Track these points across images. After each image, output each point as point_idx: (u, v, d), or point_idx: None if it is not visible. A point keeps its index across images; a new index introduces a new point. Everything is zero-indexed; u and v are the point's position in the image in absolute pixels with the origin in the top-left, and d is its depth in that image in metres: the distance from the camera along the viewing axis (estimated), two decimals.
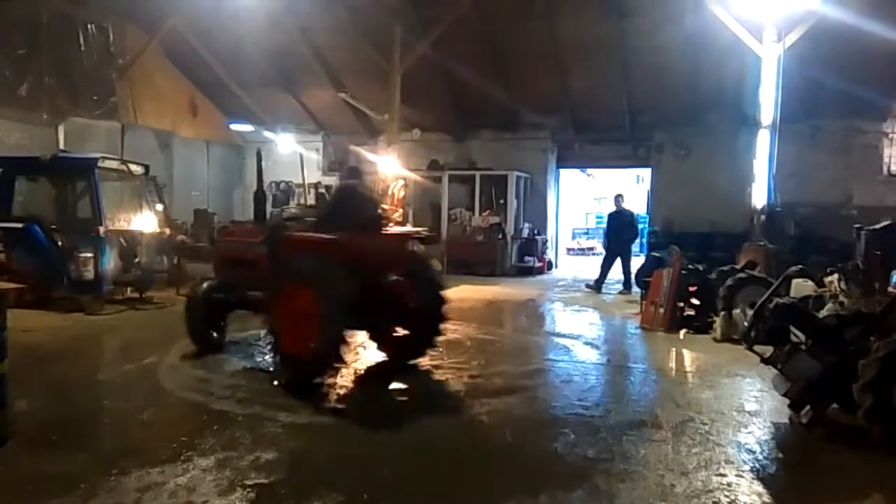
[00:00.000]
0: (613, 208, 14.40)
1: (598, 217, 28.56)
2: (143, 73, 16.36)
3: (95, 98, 15.10)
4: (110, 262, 9.72)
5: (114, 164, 10.49)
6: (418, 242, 7.13)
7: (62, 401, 5.49)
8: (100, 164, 9.93)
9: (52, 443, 4.48)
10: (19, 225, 9.66)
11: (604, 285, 13.58)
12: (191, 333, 7.00)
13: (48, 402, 5.40)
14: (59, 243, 9.69)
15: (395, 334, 6.70)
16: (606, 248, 14.49)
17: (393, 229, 7.23)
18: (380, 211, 7.11)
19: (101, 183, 9.87)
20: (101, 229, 9.55)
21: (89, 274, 9.57)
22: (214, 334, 7.14)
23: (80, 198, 10.45)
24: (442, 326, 6.72)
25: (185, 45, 16.61)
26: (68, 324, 8.67)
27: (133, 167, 10.72)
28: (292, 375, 5.84)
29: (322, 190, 17.43)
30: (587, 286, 13.74)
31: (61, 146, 13.33)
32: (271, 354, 6.20)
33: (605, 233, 15.02)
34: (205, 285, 7.15)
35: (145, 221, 10.63)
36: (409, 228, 8.72)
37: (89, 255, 9.55)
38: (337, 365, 5.85)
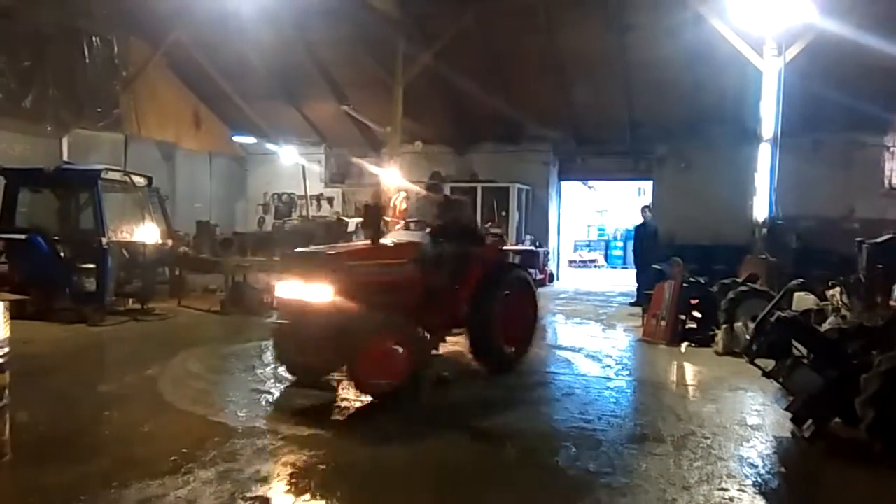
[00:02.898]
0: (640, 220, 14.32)
1: (599, 229, 28.56)
2: (146, 86, 16.45)
3: (99, 110, 15.21)
4: (112, 273, 9.73)
5: (117, 176, 10.53)
6: None
7: (63, 412, 5.49)
8: (103, 175, 9.97)
9: (54, 455, 4.47)
10: (22, 236, 9.69)
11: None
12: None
13: (49, 413, 5.39)
14: (62, 254, 9.72)
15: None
16: (636, 262, 14.28)
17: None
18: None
19: (105, 194, 9.90)
20: (104, 240, 9.57)
21: (91, 285, 9.60)
22: None
23: (83, 209, 10.47)
24: None
25: (189, 58, 16.72)
26: (70, 335, 8.67)
27: (136, 179, 10.75)
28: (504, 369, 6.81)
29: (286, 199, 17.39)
30: (631, 304, 12.99)
31: (65, 158, 13.38)
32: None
33: (633, 247, 14.90)
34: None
35: (148, 233, 10.65)
36: None
37: (91, 266, 9.58)
38: None
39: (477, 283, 6.77)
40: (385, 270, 6.17)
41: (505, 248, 7.72)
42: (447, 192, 7.77)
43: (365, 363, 5.44)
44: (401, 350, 5.55)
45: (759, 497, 4.03)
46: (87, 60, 14.89)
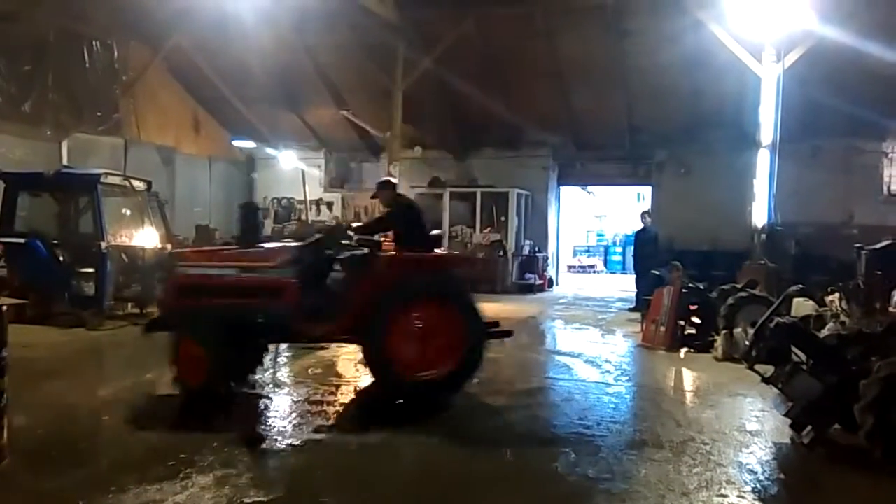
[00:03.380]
0: (640, 225, 14.32)
1: (599, 235, 28.58)
2: (146, 90, 16.46)
3: (99, 114, 15.21)
4: (111, 277, 9.72)
5: (116, 180, 10.55)
6: None
7: (61, 417, 5.47)
8: (102, 179, 9.99)
9: (52, 459, 4.47)
10: (22, 240, 9.69)
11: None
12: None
13: (48, 417, 5.39)
14: (61, 258, 9.72)
15: None
16: (636, 267, 14.27)
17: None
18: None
19: (104, 199, 9.92)
20: (103, 245, 9.57)
21: (90, 289, 9.61)
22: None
23: (82, 213, 10.49)
24: None
25: (189, 62, 16.74)
26: (69, 339, 8.66)
27: (136, 183, 10.76)
28: (411, 398, 5.82)
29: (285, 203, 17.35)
30: (630, 310, 13.03)
31: (65, 162, 13.39)
32: (379, 379, 6.00)
33: (633, 252, 14.90)
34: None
35: (147, 237, 10.65)
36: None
37: (91, 270, 9.57)
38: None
39: (374, 290, 5.92)
40: (238, 274, 6.16)
41: (455, 255, 6.83)
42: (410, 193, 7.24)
43: (177, 361, 5.84)
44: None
45: (758, 503, 4.03)
46: (87, 65, 14.92)
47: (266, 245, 7.16)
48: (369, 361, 5.99)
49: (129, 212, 11.04)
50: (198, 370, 5.73)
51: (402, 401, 5.90)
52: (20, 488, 3.98)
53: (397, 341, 5.79)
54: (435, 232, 7.78)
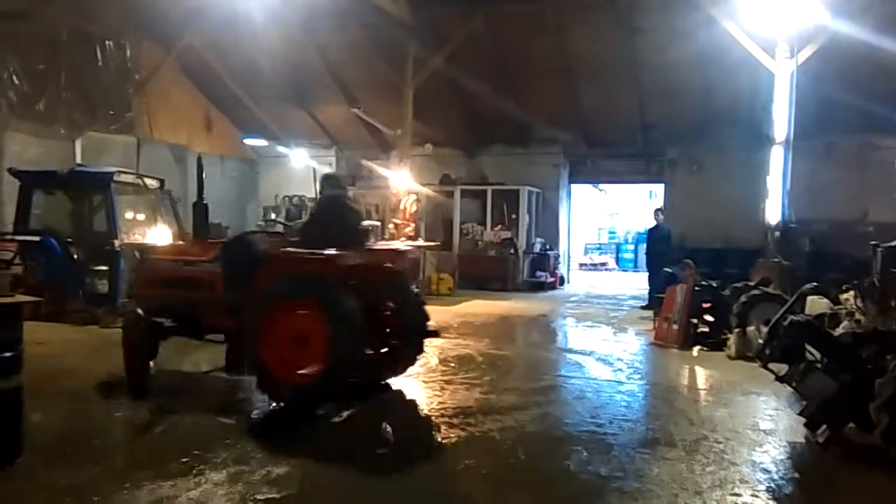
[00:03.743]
0: (652, 223, 14.31)
1: (610, 232, 28.47)
2: (158, 89, 16.56)
3: (112, 113, 15.32)
4: (125, 275, 9.78)
5: (129, 179, 10.60)
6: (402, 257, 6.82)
7: (76, 413, 5.53)
8: (116, 178, 10.03)
9: (67, 456, 4.50)
10: (36, 238, 9.77)
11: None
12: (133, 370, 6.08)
13: (62, 414, 5.45)
14: (75, 256, 9.78)
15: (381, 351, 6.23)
16: (648, 265, 14.24)
17: (380, 244, 7.09)
18: (364, 224, 6.91)
19: (117, 197, 9.97)
20: (117, 243, 9.63)
21: (104, 287, 9.66)
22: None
23: (96, 211, 10.55)
24: (425, 343, 6.43)
25: (201, 61, 16.82)
26: (83, 336, 8.73)
27: (148, 181, 10.82)
28: (288, 402, 5.52)
29: (297, 201, 17.44)
30: (642, 308, 13.03)
31: (78, 160, 13.48)
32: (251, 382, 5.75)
33: (646, 250, 14.86)
34: (139, 310, 6.20)
35: (160, 235, 10.71)
36: (412, 243, 7.99)
37: (104, 268, 9.64)
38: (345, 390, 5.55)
39: (251, 290, 5.72)
40: (180, 267, 6.46)
41: (341, 255, 5.68)
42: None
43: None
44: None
45: (772, 503, 4.00)
46: (100, 64, 15.03)
47: (213, 241, 7.22)
48: (247, 363, 5.88)
49: (141, 210, 11.10)
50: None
51: (281, 404, 5.61)
52: (36, 484, 4.02)
53: (272, 344, 5.49)
54: (370, 223, 7.55)
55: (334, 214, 6.33)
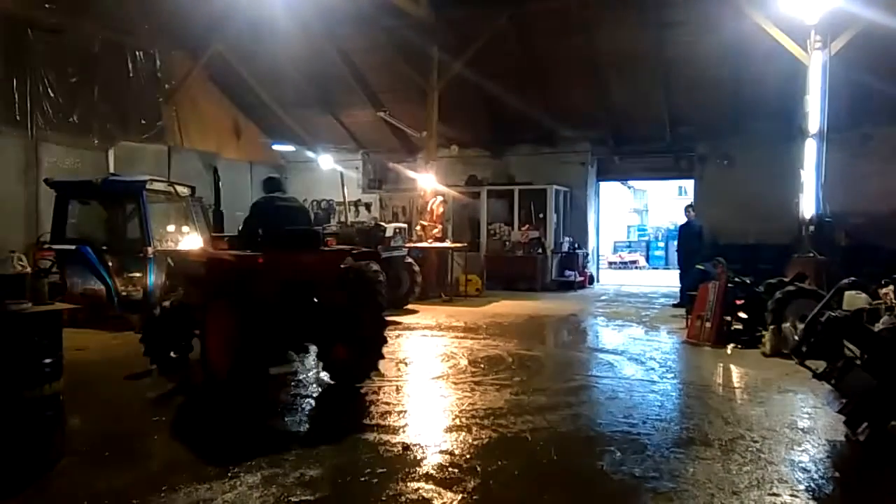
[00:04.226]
0: (683, 219, 14.19)
1: (640, 230, 28.19)
2: (188, 98, 16.85)
3: (143, 122, 15.65)
4: (158, 281, 9.94)
5: (161, 187, 10.76)
6: (361, 258, 6.84)
7: (114, 418, 5.64)
8: (148, 186, 10.20)
9: (105, 459, 4.60)
10: (72, 247, 9.99)
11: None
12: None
13: (101, 418, 5.56)
14: (110, 264, 9.98)
15: (340, 355, 6.46)
16: (679, 262, 14.13)
17: (335, 246, 7.28)
18: (315, 226, 7.18)
19: (149, 205, 10.14)
20: (150, 250, 9.80)
21: (138, 294, 9.84)
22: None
23: (129, 219, 10.74)
24: (383, 349, 6.53)
25: (229, 70, 17.07)
26: (119, 342, 8.90)
27: (180, 189, 10.97)
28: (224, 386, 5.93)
29: (325, 205, 17.66)
30: (674, 306, 13.02)
31: (111, 170, 13.76)
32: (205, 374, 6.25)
33: (677, 247, 14.72)
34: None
35: (192, 241, 10.85)
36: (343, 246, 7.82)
37: (138, 274, 9.82)
38: (256, 385, 5.85)
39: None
40: (193, 265, 7.05)
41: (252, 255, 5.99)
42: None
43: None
44: None
45: (812, 503, 3.91)
46: (132, 74, 15.36)
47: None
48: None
49: (173, 217, 11.28)
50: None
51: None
52: (76, 488, 4.10)
53: (210, 340, 6.11)
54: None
55: (264, 215, 6.47)
